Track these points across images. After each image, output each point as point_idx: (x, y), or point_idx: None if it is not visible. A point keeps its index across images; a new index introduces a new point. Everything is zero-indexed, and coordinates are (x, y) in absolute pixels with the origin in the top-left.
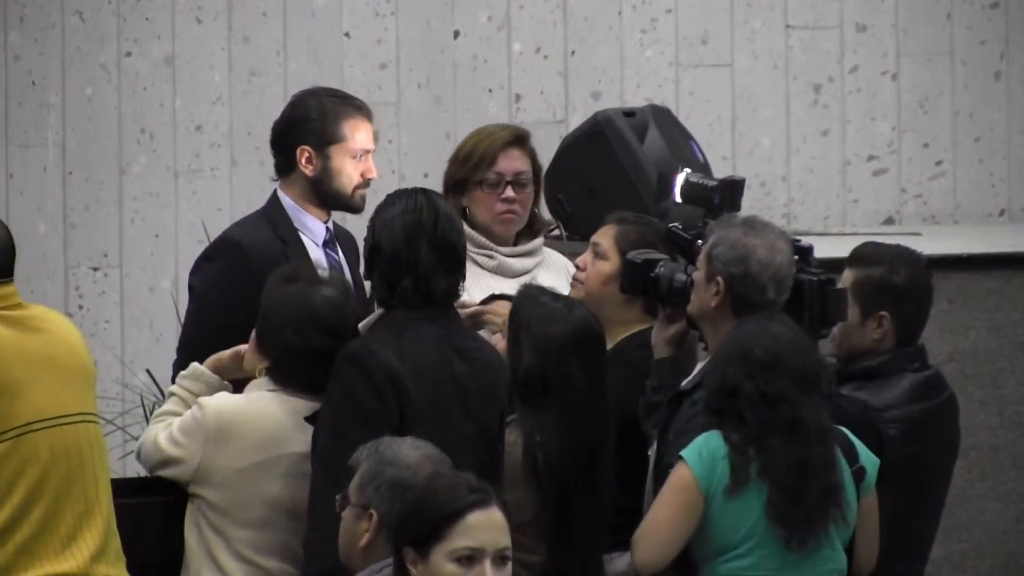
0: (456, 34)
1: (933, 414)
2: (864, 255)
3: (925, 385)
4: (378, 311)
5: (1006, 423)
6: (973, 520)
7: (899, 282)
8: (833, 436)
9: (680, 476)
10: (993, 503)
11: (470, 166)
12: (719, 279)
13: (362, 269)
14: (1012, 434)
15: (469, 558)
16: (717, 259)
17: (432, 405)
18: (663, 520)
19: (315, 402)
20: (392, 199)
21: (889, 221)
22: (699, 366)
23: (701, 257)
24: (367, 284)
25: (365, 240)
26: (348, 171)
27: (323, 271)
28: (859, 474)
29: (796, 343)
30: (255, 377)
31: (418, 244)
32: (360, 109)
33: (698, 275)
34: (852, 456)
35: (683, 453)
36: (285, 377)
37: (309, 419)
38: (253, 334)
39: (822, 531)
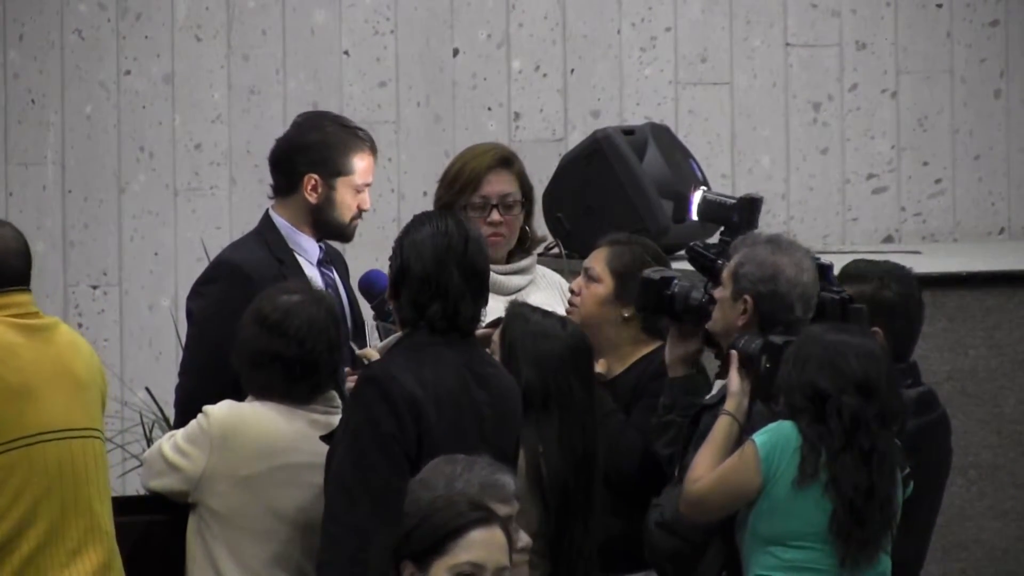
0: (455, 52)
1: (927, 430)
2: (855, 271)
3: (919, 401)
4: (399, 332)
5: (1005, 442)
6: (973, 539)
7: (890, 297)
8: (898, 472)
9: (746, 453)
10: (992, 521)
11: (456, 190)
12: (747, 297)
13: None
14: (1012, 452)
15: (470, 574)
16: (744, 277)
17: (450, 432)
18: (721, 472)
19: (310, 413)
20: (421, 221)
21: (889, 239)
22: (717, 384)
23: (726, 275)
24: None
25: (391, 260)
26: (348, 203)
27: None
28: (906, 480)
29: (890, 375)
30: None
31: (448, 268)
32: (368, 142)
33: (723, 293)
34: (903, 462)
35: (755, 437)
36: (254, 387)
37: (325, 438)
38: None
39: (874, 553)
